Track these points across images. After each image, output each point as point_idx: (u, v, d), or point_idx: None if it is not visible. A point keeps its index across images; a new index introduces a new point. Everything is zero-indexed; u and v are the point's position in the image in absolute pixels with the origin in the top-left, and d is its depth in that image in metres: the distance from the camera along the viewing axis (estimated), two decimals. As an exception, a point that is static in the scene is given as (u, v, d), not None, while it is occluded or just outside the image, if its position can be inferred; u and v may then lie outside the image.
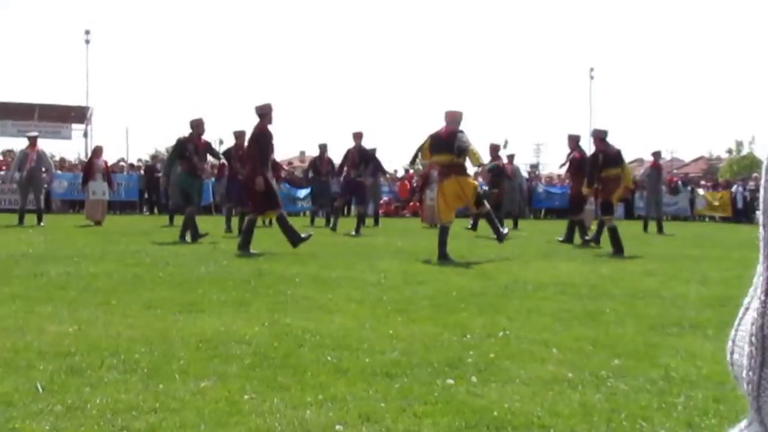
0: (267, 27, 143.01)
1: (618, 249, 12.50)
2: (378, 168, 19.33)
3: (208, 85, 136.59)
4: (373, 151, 18.98)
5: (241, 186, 16.01)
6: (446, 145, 11.23)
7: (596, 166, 13.17)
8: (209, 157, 16.00)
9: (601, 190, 13.37)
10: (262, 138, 11.54)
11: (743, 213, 29.32)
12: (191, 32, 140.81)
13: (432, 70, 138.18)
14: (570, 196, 16.10)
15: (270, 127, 11.64)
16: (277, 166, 20.25)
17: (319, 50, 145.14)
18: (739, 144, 68.33)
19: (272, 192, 11.70)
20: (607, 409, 3.95)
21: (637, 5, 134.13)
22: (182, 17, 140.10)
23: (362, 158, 17.99)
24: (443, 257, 10.84)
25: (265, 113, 11.59)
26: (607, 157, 13.20)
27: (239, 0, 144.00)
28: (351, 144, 17.97)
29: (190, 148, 13.92)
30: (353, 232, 16.70)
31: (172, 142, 15.40)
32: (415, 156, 12.58)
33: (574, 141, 15.63)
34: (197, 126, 14.15)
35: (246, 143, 12.38)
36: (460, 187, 11.44)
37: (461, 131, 11.25)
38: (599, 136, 13.42)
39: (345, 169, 18.10)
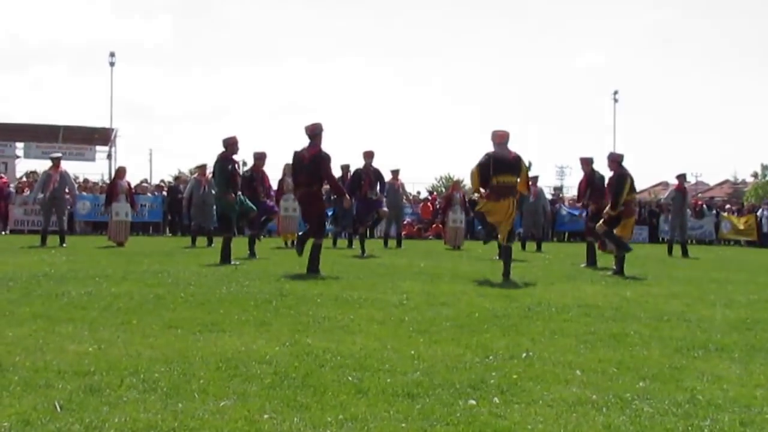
0: (290, 43, 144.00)
1: (592, 261, 13.44)
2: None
3: (229, 105, 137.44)
4: (396, 171, 19.01)
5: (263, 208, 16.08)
6: (511, 167, 11.45)
7: (624, 189, 13.02)
8: None
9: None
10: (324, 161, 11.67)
11: (769, 237, 29.05)
12: (213, 52, 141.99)
13: (456, 91, 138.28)
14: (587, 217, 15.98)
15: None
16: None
17: (343, 67, 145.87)
18: (765, 168, 67.82)
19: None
20: (631, 431, 3.88)
21: (662, 27, 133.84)
22: (205, 37, 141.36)
23: (376, 178, 18.03)
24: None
25: (317, 134, 11.67)
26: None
27: (262, 19, 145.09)
28: (361, 164, 18.11)
29: (230, 169, 13.69)
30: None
31: (195, 163, 15.31)
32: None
33: (588, 163, 15.51)
34: (232, 145, 13.78)
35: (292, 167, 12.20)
36: (513, 211, 11.62)
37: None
38: (617, 160, 13.27)
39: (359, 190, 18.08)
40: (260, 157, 16.26)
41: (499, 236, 11.76)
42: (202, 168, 21.02)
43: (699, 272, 13.91)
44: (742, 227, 29.58)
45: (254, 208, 14.41)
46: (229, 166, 13.62)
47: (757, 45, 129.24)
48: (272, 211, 16.61)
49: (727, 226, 29.99)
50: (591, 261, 14.89)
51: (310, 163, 11.53)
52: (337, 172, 18.97)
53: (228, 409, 4.05)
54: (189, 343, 5.80)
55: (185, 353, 5.40)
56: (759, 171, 68.32)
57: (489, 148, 11.54)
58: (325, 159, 11.57)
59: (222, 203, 13.83)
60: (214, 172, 14.30)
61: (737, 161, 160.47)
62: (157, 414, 3.94)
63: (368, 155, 17.83)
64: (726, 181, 76.67)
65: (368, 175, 17.77)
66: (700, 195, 49.65)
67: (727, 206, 33.46)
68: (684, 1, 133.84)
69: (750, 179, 70.33)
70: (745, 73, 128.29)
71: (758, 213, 29.89)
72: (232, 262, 12.96)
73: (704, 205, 30.92)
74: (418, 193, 35.12)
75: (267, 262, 13.91)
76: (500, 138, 11.54)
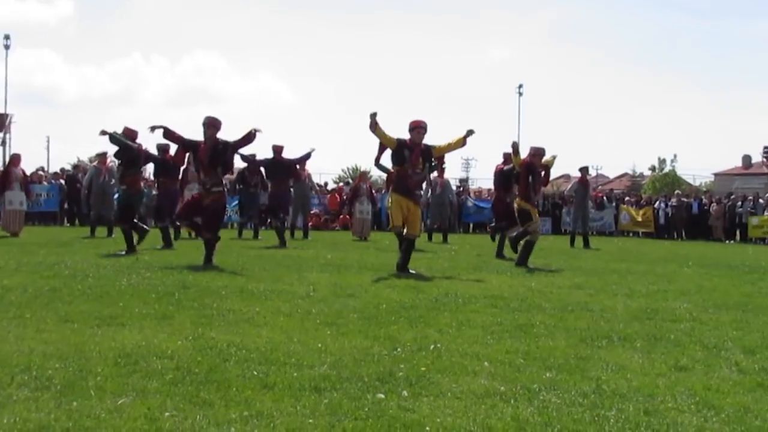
0: (195, 31, 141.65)
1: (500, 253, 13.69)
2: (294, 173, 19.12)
3: (131, 92, 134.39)
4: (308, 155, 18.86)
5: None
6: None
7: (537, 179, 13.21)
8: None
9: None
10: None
11: (665, 229, 29.92)
12: (116, 38, 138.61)
13: (366, 84, 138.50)
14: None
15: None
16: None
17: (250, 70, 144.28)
18: (662, 161, 70.00)
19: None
20: (540, 422, 3.88)
21: (565, 24, 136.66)
22: (107, 22, 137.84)
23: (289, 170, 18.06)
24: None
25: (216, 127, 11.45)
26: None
27: (165, 5, 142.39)
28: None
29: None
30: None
31: (95, 151, 14.82)
32: None
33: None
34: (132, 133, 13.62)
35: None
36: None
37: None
38: (540, 153, 13.35)
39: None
40: (166, 149, 15.86)
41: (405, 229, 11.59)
42: (102, 156, 20.44)
43: (601, 263, 14.20)
44: (640, 219, 30.37)
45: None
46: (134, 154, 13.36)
47: (656, 43, 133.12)
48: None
49: (626, 217, 30.75)
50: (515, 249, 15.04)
51: (207, 153, 11.32)
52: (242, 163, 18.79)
53: (126, 407, 3.89)
54: (86, 337, 5.57)
55: (82, 348, 5.18)
56: (656, 165, 70.41)
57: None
58: (223, 145, 11.46)
59: (128, 192, 13.51)
60: (121, 160, 13.87)
61: (636, 155, 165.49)
62: (50, 413, 3.75)
63: (278, 149, 17.75)
64: (625, 174, 78.64)
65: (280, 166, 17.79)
66: (600, 187, 50.87)
67: (627, 198, 34.26)
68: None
69: (648, 172, 72.35)
70: (644, 71, 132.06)
71: (656, 205, 30.75)
72: (136, 252, 12.68)
73: (605, 197, 31.62)
74: (325, 183, 34.99)
75: (170, 253, 13.59)
76: (415, 124, 11.31)
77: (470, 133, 11.38)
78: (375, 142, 11.72)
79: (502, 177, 15.44)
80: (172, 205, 15.79)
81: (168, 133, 11.56)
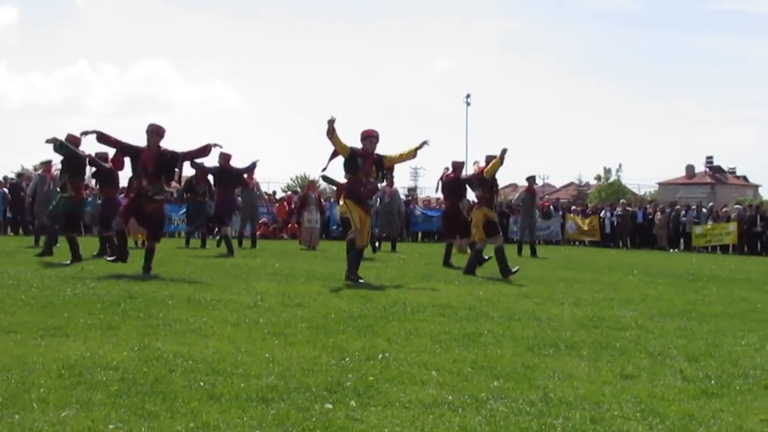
0: (143, 39, 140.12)
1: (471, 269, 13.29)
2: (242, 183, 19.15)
3: (77, 100, 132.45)
4: (253, 166, 18.83)
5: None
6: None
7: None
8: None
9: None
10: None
11: (611, 237, 30.34)
12: (61, 45, 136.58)
13: (314, 93, 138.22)
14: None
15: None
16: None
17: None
18: (608, 171, 70.87)
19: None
20: (487, 431, 3.89)
21: (511, 34, 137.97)
22: (52, 29, 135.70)
23: (235, 178, 18.25)
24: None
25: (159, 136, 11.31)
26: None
27: (113, 13, 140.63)
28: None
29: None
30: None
31: (39, 159, 14.48)
32: None
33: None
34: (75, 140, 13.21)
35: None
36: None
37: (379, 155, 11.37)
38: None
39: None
40: (105, 158, 15.59)
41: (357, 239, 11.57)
42: (47, 164, 20.03)
43: (547, 272, 14.33)
44: (586, 228, 30.75)
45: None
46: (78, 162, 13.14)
47: (602, 54, 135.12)
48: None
49: (573, 226, 31.12)
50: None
51: (153, 161, 11.20)
52: (190, 171, 18.64)
53: (70, 420, 3.82)
54: (29, 348, 5.46)
55: (24, 360, 5.08)
56: (602, 174, 71.30)
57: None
58: (170, 155, 11.37)
59: (71, 201, 13.28)
60: (63, 168, 13.56)
61: (582, 165, 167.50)
62: (-10, 427, 3.67)
63: (225, 157, 17.80)
64: (571, 184, 79.64)
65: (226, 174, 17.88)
66: (547, 197, 51.36)
67: (573, 207, 34.68)
68: (530, 11, 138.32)
69: (593, 182, 73.26)
70: (590, 82, 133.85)
71: (601, 214, 31.18)
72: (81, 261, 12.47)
73: (551, 207, 31.97)
74: (274, 192, 34.84)
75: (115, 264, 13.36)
76: (367, 133, 11.28)
77: (423, 144, 11.44)
78: (324, 151, 11.77)
79: (455, 186, 15.44)
80: (116, 213, 15.60)
81: (103, 137, 11.30)
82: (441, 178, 15.77)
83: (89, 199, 15.42)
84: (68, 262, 12.69)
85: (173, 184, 15.24)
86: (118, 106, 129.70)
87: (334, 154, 11.34)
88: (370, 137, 11.20)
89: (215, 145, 11.59)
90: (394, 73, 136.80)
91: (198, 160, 16.94)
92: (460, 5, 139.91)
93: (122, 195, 17.22)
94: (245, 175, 18.69)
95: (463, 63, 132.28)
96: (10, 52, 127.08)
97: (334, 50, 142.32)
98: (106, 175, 15.68)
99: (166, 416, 3.93)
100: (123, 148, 11.56)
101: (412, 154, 11.52)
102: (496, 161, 12.77)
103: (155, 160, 11.19)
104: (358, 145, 11.21)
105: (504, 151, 12.29)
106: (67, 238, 13.51)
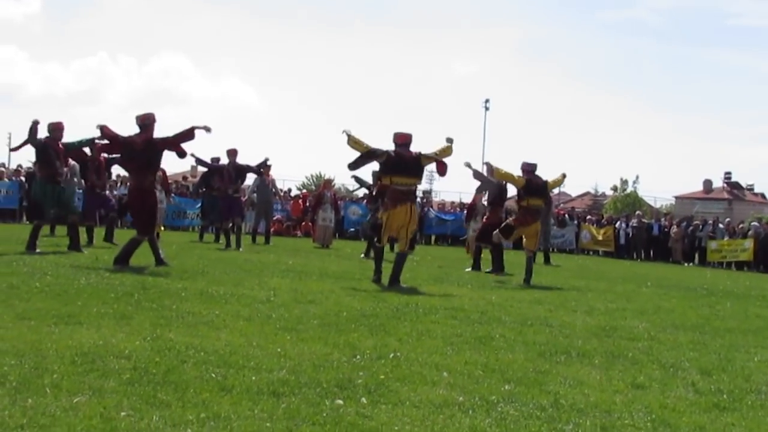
0: (164, 32, 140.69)
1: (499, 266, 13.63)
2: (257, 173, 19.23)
3: (98, 91, 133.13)
4: (268, 166, 18.92)
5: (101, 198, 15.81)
6: (409, 169, 10.94)
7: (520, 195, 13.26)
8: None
9: (516, 217, 13.43)
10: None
11: (625, 249, 30.22)
12: (84, 36, 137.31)
13: (332, 93, 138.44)
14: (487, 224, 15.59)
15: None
16: (165, 178, 19.81)
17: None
18: (624, 182, 70.53)
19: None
20: (497, 434, 3.89)
21: (531, 42, 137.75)
22: (76, 20, 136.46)
23: (238, 174, 18.24)
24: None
25: (148, 124, 11.21)
26: (531, 185, 13.11)
27: (135, 5, 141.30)
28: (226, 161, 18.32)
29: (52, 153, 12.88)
30: (233, 246, 16.93)
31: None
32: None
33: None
34: (57, 130, 13.00)
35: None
36: (412, 216, 11.04)
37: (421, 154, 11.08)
38: (528, 169, 13.38)
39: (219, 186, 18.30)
40: (99, 149, 15.63)
41: (397, 243, 11.48)
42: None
43: (561, 280, 14.30)
44: (601, 238, 30.64)
45: (74, 209, 13.86)
46: (51, 152, 12.95)
47: (622, 66, 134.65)
48: (108, 205, 16.34)
49: (587, 236, 31.01)
50: (497, 267, 15.03)
51: (142, 150, 11.10)
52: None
53: (82, 406, 3.84)
54: (43, 335, 5.49)
55: (38, 346, 5.11)
56: (618, 185, 71.04)
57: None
58: (160, 142, 11.22)
59: (39, 189, 13.19)
60: (38, 157, 13.36)
61: (598, 175, 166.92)
62: (4, 410, 3.70)
63: (231, 153, 18.08)
64: (587, 193, 79.31)
65: (229, 171, 17.98)
66: (562, 205, 51.29)
67: (588, 217, 34.57)
68: (551, 19, 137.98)
69: (610, 192, 72.99)
70: (609, 92, 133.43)
71: (616, 225, 31.05)
72: (37, 251, 12.30)
73: (566, 215, 31.88)
74: (289, 190, 34.90)
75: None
76: (401, 139, 11.06)
77: (450, 140, 11.34)
78: (338, 150, 11.62)
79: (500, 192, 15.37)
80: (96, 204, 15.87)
81: (106, 133, 11.30)
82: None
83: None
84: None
85: (189, 178, 15.25)
86: (135, 99, 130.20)
87: (366, 157, 11.06)
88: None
89: (201, 127, 11.28)
90: (412, 76, 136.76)
91: (213, 156, 17.19)
92: (481, 11, 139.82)
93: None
94: (256, 174, 18.95)
95: (482, 69, 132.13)
96: (32, 42, 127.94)
97: (353, 52, 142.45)
98: (91, 167, 15.71)
99: (177, 405, 3.95)
100: (119, 142, 11.40)
101: (449, 151, 11.35)
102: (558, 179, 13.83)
103: (144, 147, 11.10)
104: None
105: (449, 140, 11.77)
106: (86, 228, 13.59)
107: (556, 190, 48.20)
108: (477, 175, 14.46)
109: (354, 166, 11.25)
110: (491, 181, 14.35)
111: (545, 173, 13.51)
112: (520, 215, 13.24)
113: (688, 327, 8.44)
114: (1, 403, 3.81)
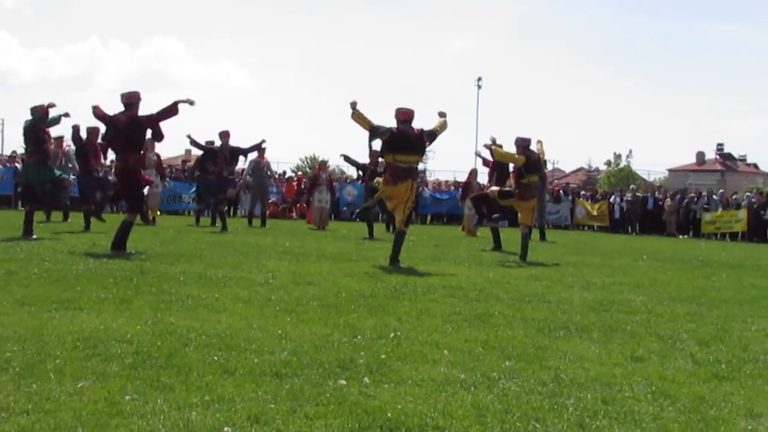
0: (155, 17, 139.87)
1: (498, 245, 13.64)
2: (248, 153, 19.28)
3: (90, 75, 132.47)
4: (257, 146, 18.95)
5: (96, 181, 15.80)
6: (412, 146, 10.99)
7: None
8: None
9: (516, 194, 13.43)
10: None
11: (620, 223, 30.28)
12: (74, 20, 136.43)
13: (327, 74, 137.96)
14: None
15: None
16: (160, 162, 19.79)
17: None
18: (617, 157, 70.50)
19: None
20: (500, 410, 3.92)
21: (524, 18, 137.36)
22: (65, 4, 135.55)
23: (233, 157, 18.47)
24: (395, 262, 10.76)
25: (133, 102, 11.11)
26: (530, 162, 13.14)
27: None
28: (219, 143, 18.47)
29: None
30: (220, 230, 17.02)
31: (51, 135, 14.28)
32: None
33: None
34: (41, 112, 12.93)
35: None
36: (412, 194, 11.16)
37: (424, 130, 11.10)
38: (523, 144, 13.38)
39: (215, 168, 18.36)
40: (93, 132, 15.62)
41: (395, 219, 11.56)
42: (58, 140, 20.12)
43: (557, 256, 14.33)
44: (595, 213, 30.68)
45: (61, 181, 13.75)
46: (41, 135, 12.96)
47: (614, 40, 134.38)
48: (107, 186, 16.28)
49: (582, 211, 31.05)
50: (497, 245, 15.09)
51: (126, 127, 10.99)
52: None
53: (86, 390, 3.87)
54: (43, 321, 5.51)
55: (39, 332, 5.13)
56: (612, 160, 71.05)
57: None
58: (144, 120, 11.07)
59: (30, 172, 13.16)
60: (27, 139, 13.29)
61: (592, 150, 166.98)
62: (8, 396, 3.72)
63: (224, 135, 18.24)
64: (581, 169, 79.31)
65: (223, 153, 18.10)
66: (556, 181, 51.32)
67: (582, 192, 34.60)
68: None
69: (603, 167, 73.03)
70: (601, 67, 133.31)
71: (611, 200, 31.10)
72: (33, 236, 12.34)
73: (561, 191, 31.94)
74: (284, 172, 34.87)
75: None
76: (404, 115, 11.04)
77: (444, 113, 11.41)
78: (336, 132, 11.69)
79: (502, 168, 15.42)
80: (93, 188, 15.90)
81: (97, 113, 11.26)
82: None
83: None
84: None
85: (187, 162, 15.29)
86: (128, 82, 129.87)
87: (371, 135, 11.08)
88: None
89: (184, 101, 11.06)
90: (408, 54, 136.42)
91: (207, 140, 17.19)
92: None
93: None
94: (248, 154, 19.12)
95: (477, 45, 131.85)
96: (22, 27, 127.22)
97: (347, 30, 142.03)
98: (83, 151, 15.75)
99: (181, 389, 3.97)
100: (104, 121, 11.32)
101: (445, 125, 11.41)
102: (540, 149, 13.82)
103: (128, 124, 10.99)
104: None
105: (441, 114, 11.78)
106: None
107: (550, 167, 48.14)
108: (486, 162, 14.86)
109: (369, 144, 11.66)
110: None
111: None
112: (520, 192, 13.23)
113: (684, 299, 8.49)
114: (6, 388, 3.83)
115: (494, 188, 13.60)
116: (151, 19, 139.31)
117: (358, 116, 10.85)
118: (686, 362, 5.26)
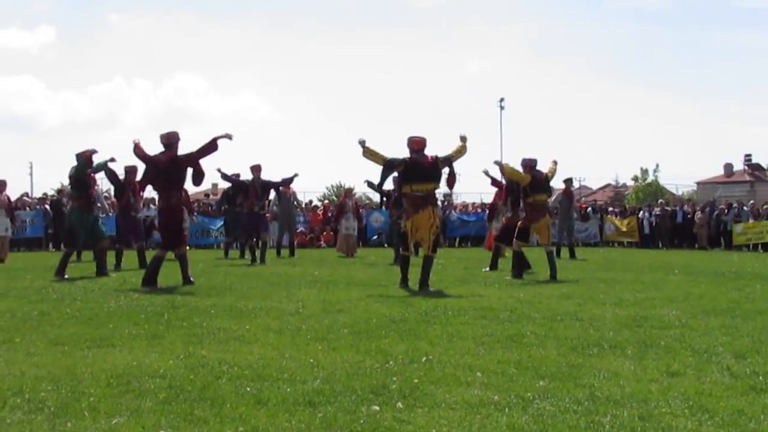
0: (176, 54, 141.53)
1: (518, 273, 13.12)
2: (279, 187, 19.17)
3: (114, 116, 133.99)
4: (290, 180, 18.89)
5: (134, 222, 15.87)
6: (427, 175, 11.04)
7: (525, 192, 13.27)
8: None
9: (525, 216, 13.42)
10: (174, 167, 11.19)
11: (650, 238, 30.03)
12: (97, 63, 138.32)
13: (347, 100, 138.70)
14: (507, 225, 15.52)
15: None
16: (187, 198, 19.88)
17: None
18: (644, 171, 70.02)
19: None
20: (535, 430, 3.89)
21: (543, 36, 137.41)
22: (89, 47, 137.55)
23: (264, 191, 18.17)
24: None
25: (173, 143, 11.26)
26: (535, 182, 13.17)
27: (146, 29, 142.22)
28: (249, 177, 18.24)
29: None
30: (258, 261, 16.92)
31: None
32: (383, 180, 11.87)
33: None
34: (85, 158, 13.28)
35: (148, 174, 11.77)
36: (435, 220, 11.20)
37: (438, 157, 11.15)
38: (529, 164, 13.41)
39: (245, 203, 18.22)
40: (132, 171, 15.73)
41: (421, 247, 11.57)
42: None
43: (587, 273, 14.24)
44: (624, 229, 30.48)
45: (104, 234, 13.93)
46: (87, 181, 13.21)
47: (636, 54, 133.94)
48: (138, 232, 16.37)
49: (611, 228, 30.86)
50: (517, 273, 14.98)
51: (167, 168, 11.18)
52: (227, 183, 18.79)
53: (121, 427, 3.88)
54: (77, 359, 5.55)
55: (73, 370, 5.16)
56: (639, 175, 70.60)
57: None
58: (185, 159, 11.23)
59: (75, 217, 13.36)
60: (73, 183, 13.48)
61: (618, 166, 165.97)
62: (44, 435, 3.74)
63: (256, 169, 17.98)
64: (608, 185, 78.84)
65: (255, 188, 17.85)
66: (584, 198, 51.04)
67: (610, 209, 34.39)
68: (558, 12, 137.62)
69: (631, 183, 72.52)
70: (624, 82, 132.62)
71: (639, 215, 30.88)
72: (65, 277, 12.50)
73: (589, 208, 31.77)
74: (310, 201, 34.98)
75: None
76: (417, 144, 11.10)
77: (464, 138, 11.41)
78: (357, 159, 11.68)
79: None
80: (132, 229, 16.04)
81: (138, 152, 11.43)
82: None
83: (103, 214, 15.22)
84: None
85: (210, 196, 15.38)
86: (153, 120, 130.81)
87: (387, 169, 11.20)
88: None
89: (223, 136, 11.20)
90: (426, 77, 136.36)
91: (233, 172, 17.26)
92: (488, 9, 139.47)
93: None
94: (280, 188, 18.88)
95: (495, 66, 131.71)
96: (48, 71, 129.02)
97: (365, 57, 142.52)
98: (121, 190, 15.87)
99: (215, 421, 3.97)
100: (145, 161, 11.54)
101: (464, 150, 11.41)
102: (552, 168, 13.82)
103: (169, 164, 11.18)
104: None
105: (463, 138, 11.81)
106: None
107: (576, 184, 47.83)
108: (495, 182, 14.90)
109: (381, 182, 11.85)
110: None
111: (565, 167, 13.56)
112: (528, 213, 13.32)
113: (718, 312, 8.39)
114: (41, 428, 3.86)
115: (516, 241, 13.50)
116: (172, 56, 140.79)
117: (369, 153, 10.97)
118: (723, 375, 5.19)
